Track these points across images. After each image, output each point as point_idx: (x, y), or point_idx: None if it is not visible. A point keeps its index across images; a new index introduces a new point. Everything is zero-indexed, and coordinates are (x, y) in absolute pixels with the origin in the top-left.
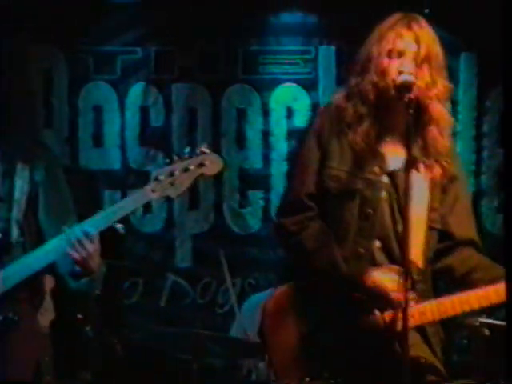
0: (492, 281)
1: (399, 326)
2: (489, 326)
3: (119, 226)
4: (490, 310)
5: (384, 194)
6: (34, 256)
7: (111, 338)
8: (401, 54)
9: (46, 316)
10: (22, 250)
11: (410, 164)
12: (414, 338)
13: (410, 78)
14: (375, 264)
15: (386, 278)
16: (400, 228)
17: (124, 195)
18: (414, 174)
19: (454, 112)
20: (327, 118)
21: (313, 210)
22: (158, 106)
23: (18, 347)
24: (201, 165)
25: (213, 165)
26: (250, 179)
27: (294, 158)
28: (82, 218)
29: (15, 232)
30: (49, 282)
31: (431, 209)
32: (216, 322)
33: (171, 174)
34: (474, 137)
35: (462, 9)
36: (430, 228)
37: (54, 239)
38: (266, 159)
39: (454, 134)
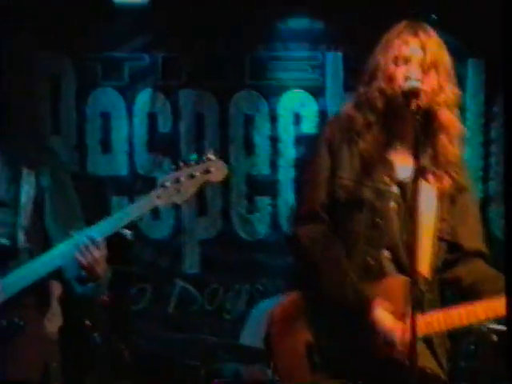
0: (499, 293)
1: (407, 336)
2: (496, 332)
3: (127, 232)
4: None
5: (393, 203)
6: (40, 261)
7: (119, 344)
8: (407, 61)
9: (54, 322)
10: (28, 256)
11: (419, 172)
12: (419, 348)
13: (417, 84)
14: (384, 274)
15: (386, 316)
16: (409, 238)
17: (131, 201)
18: (423, 183)
19: (462, 119)
20: (337, 126)
21: (326, 222)
22: (166, 112)
23: (23, 352)
24: (206, 171)
25: (218, 171)
26: (258, 185)
27: (304, 165)
28: (89, 223)
29: (21, 238)
30: (57, 288)
31: (440, 219)
32: (224, 328)
33: (177, 181)
34: (482, 143)
35: (469, 15)
36: (439, 238)
37: (60, 244)
38: (274, 165)
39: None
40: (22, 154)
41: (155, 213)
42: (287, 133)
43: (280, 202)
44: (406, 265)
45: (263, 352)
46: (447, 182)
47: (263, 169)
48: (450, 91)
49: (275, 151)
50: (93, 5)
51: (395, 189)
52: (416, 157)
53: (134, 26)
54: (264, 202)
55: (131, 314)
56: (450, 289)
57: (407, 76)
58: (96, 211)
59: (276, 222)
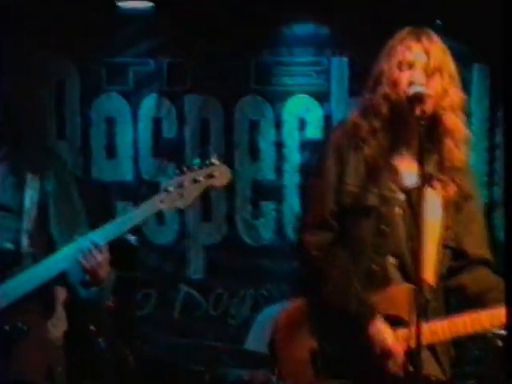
0: (504, 301)
1: (411, 344)
2: (501, 337)
3: (132, 237)
4: None
5: (399, 210)
6: (43, 266)
7: (124, 349)
8: (411, 66)
9: (58, 327)
10: (32, 261)
11: (424, 179)
12: (424, 355)
13: (421, 89)
14: (389, 280)
15: (386, 330)
16: (415, 245)
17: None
18: (428, 191)
19: (467, 124)
20: (343, 132)
21: (334, 230)
22: (171, 117)
23: (27, 357)
24: (210, 176)
25: (222, 176)
26: (263, 190)
27: (311, 171)
28: (94, 228)
29: (25, 242)
30: (61, 293)
31: (445, 227)
32: (228, 334)
33: (180, 185)
34: (487, 148)
35: (473, 20)
36: (444, 246)
37: (63, 248)
38: (279, 170)
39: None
40: (27, 160)
41: (160, 218)
42: (292, 138)
43: (285, 207)
44: (411, 271)
45: (267, 357)
46: (453, 189)
47: (268, 174)
48: (455, 95)
49: (280, 156)
50: (98, 10)
51: (401, 195)
52: (420, 163)
53: (138, 31)
54: (269, 207)
55: (136, 320)
56: (454, 297)
57: (411, 81)
58: (101, 216)
59: (281, 228)
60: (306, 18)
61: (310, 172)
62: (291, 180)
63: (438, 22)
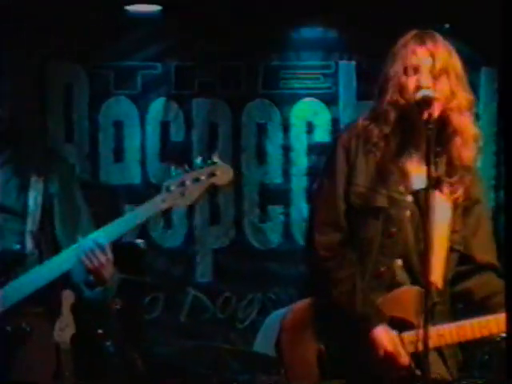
0: None
1: (418, 347)
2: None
3: (140, 241)
4: None
5: (408, 212)
6: (46, 266)
7: (132, 353)
8: (417, 70)
9: (66, 331)
10: (37, 262)
11: (432, 181)
12: (431, 357)
13: (429, 93)
14: (395, 282)
15: (389, 337)
16: (422, 247)
17: None
18: (437, 194)
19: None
20: (354, 134)
21: (344, 231)
22: (179, 121)
23: (31, 358)
24: (212, 175)
25: (223, 175)
26: (270, 194)
27: (321, 172)
28: None
29: (30, 244)
30: (69, 297)
31: (453, 230)
32: (236, 337)
33: (182, 184)
34: (495, 152)
35: (481, 24)
36: (451, 249)
37: (66, 250)
38: (286, 174)
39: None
40: (31, 162)
41: (168, 222)
42: (300, 142)
43: (292, 210)
44: (418, 274)
45: (275, 360)
46: (461, 193)
47: (276, 178)
48: (462, 97)
49: (288, 160)
50: (106, 14)
51: (410, 197)
52: (428, 166)
53: (146, 34)
54: (276, 211)
55: (144, 323)
56: (461, 302)
57: (418, 85)
58: (109, 220)
59: (288, 231)
60: (313, 22)
61: (319, 173)
62: (299, 184)
63: (446, 25)
